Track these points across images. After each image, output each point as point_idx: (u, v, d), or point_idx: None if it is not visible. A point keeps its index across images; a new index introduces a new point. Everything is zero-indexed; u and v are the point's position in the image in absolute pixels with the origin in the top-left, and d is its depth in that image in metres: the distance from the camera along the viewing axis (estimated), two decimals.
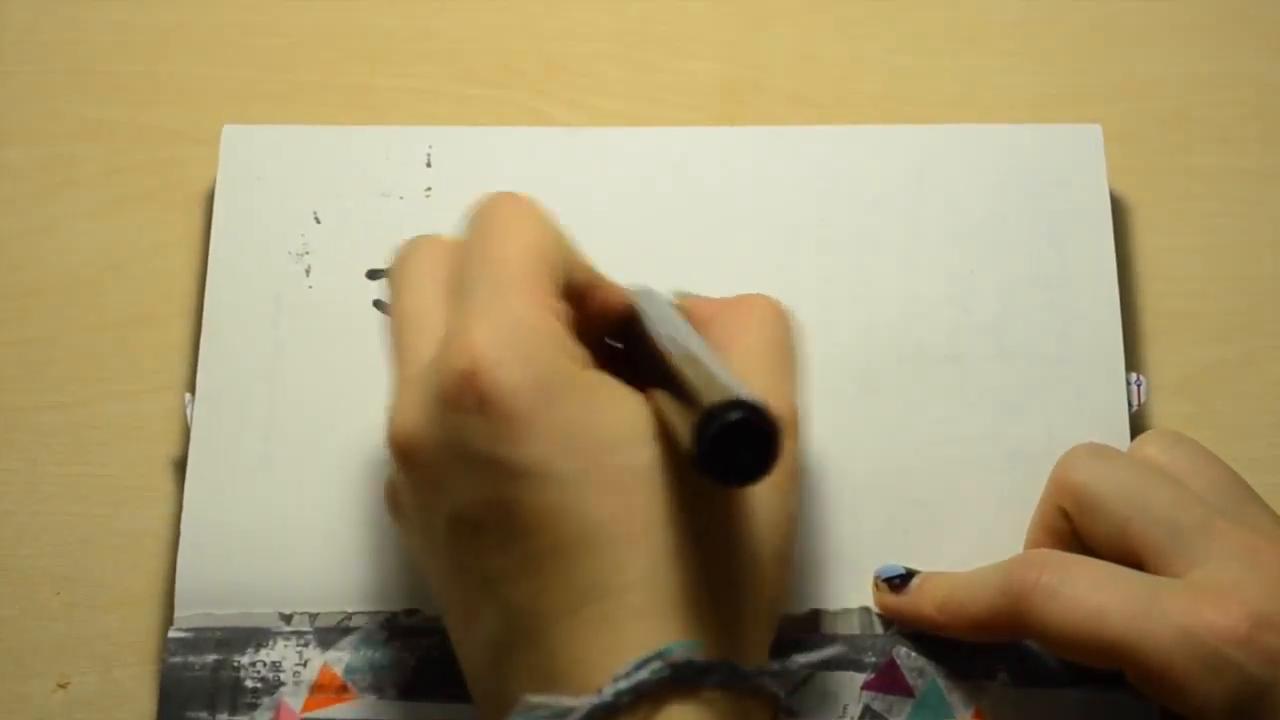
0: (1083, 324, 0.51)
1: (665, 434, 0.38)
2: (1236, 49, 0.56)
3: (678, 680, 0.36)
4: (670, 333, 0.40)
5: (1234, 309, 0.53)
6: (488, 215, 0.41)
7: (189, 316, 0.52)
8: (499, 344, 0.37)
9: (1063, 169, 0.52)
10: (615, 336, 0.44)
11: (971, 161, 0.53)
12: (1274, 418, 0.52)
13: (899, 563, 0.48)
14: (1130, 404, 0.50)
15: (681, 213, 0.52)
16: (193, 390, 0.50)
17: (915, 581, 0.47)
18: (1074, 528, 0.46)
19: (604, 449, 0.38)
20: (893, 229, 0.52)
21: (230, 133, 0.53)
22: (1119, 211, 0.54)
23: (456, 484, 0.38)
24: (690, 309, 0.44)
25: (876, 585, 0.47)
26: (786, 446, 0.39)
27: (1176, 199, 0.54)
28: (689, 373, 0.37)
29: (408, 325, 0.41)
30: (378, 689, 0.46)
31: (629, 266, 0.51)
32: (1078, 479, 0.45)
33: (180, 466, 0.49)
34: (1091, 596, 0.42)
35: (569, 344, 0.39)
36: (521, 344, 0.38)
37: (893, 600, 0.47)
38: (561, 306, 0.40)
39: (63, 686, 0.48)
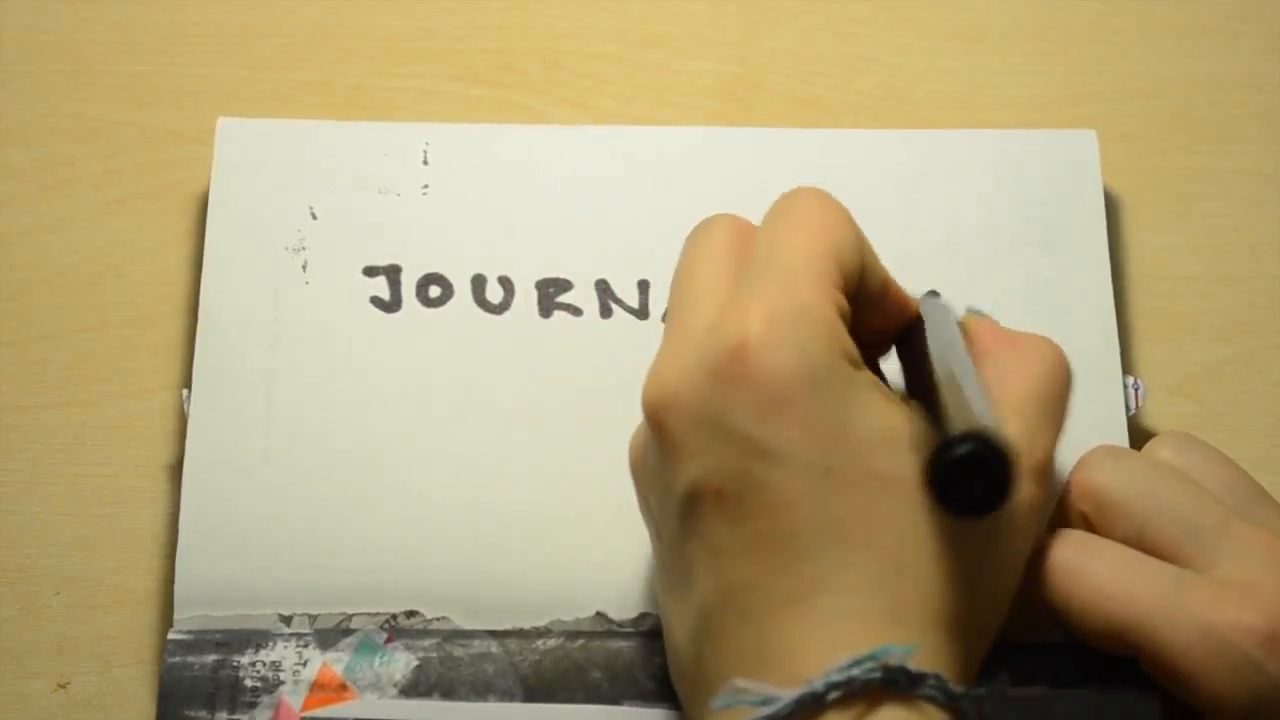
0: (1079, 329, 0.50)
1: (918, 446, 0.38)
2: (1236, 49, 0.56)
3: (888, 684, 0.37)
4: (943, 351, 0.40)
5: (1234, 309, 0.53)
6: (788, 205, 0.42)
7: (189, 316, 0.52)
8: (776, 325, 0.38)
9: (1058, 174, 0.52)
10: (899, 343, 0.44)
11: (967, 166, 0.53)
12: (1274, 418, 0.52)
13: None
14: (1128, 408, 0.50)
15: (677, 212, 0.52)
16: (189, 386, 0.50)
17: None
18: (1091, 530, 0.46)
19: (858, 450, 0.38)
20: (888, 233, 0.52)
21: (225, 125, 0.53)
22: (1119, 212, 0.54)
23: (704, 451, 0.39)
24: (975, 333, 0.44)
25: None
26: (1032, 493, 0.40)
27: (1176, 199, 0.54)
28: (945, 393, 0.37)
29: (689, 290, 0.41)
30: (377, 689, 0.46)
31: (625, 264, 0.51)
32: (1096, 480, 0.45)
33: (176, 470, 0.49)
34: (1114, 578, 0.42)
35: (845, 339, 0.39)
36: (798, 329, 0.38)
37: None
38: (844, 302, 0.40)
39: (63, 686, 0.48)
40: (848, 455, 0.38)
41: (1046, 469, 0.42)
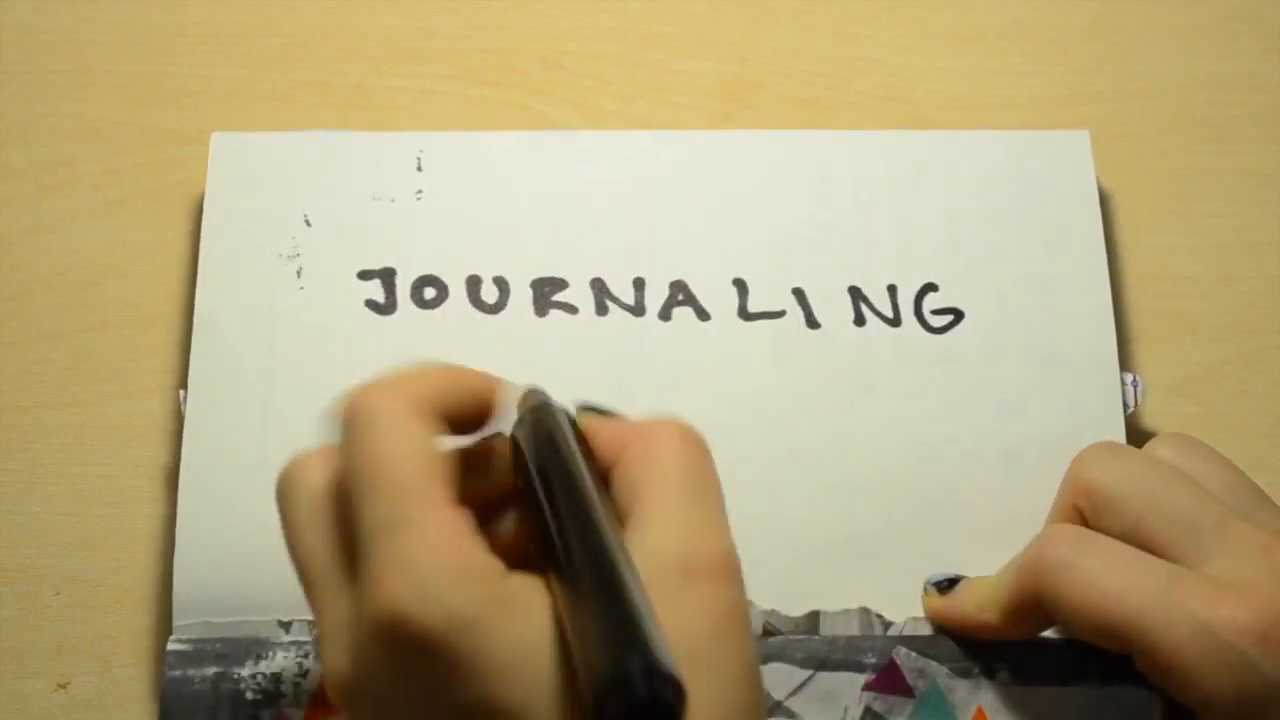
0: (1076, 325, 0.51)
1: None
2: (1236, 49, 0.56)
3: None
4: (566, 497, 0.37)
5: (1233, 309, 0.53)
6: (353, 427, 0.38)
7: (189, 316, 0.51)
8: (413, 594, 0.35)
9: (1052, 173, 0.52)
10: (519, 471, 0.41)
11: (964, 166, 0.53)
12: (1274, 418, 0.52)
13: (943, 570, 0.48)
14: (1126, 405, 0.50)
15: (672, 213, 0.52)
16: (186, 387, 0.50)
17: (960, 585, 0.47)
18: (1087, 525, 0.46)
19: (542, 670, 0.35)
20: (887, 232, 0.52)
21: (219, 140, 0.52)
22: (1119, 212, 0.54)
23: None
24: (593, 434, 0.41)
25: (926, 591, 0.48)
26: (732, 591, 0.37)
27: (1176, 199, 0.54)
28: (587, 590, 0.34)
29: (311, 570, 0.39)
30: None
31: (620, 261, 0.51)
32: (1092, 476, 0.45)
33: (171, 474, 0.49)
34: (1109, 575, 0.42)
35: (481, 561, 0.36)
36: (435, 587, 0.35)
37: (940, 603, 0.47)
38: (463, 516, 0.37)
39: (63, 686, 0.48)
40: (534, 680, 0.35)
41: (729, 564, 0.37)
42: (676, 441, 0.39)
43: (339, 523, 0.38)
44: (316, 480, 0.39)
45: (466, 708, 0.35)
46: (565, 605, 0.35)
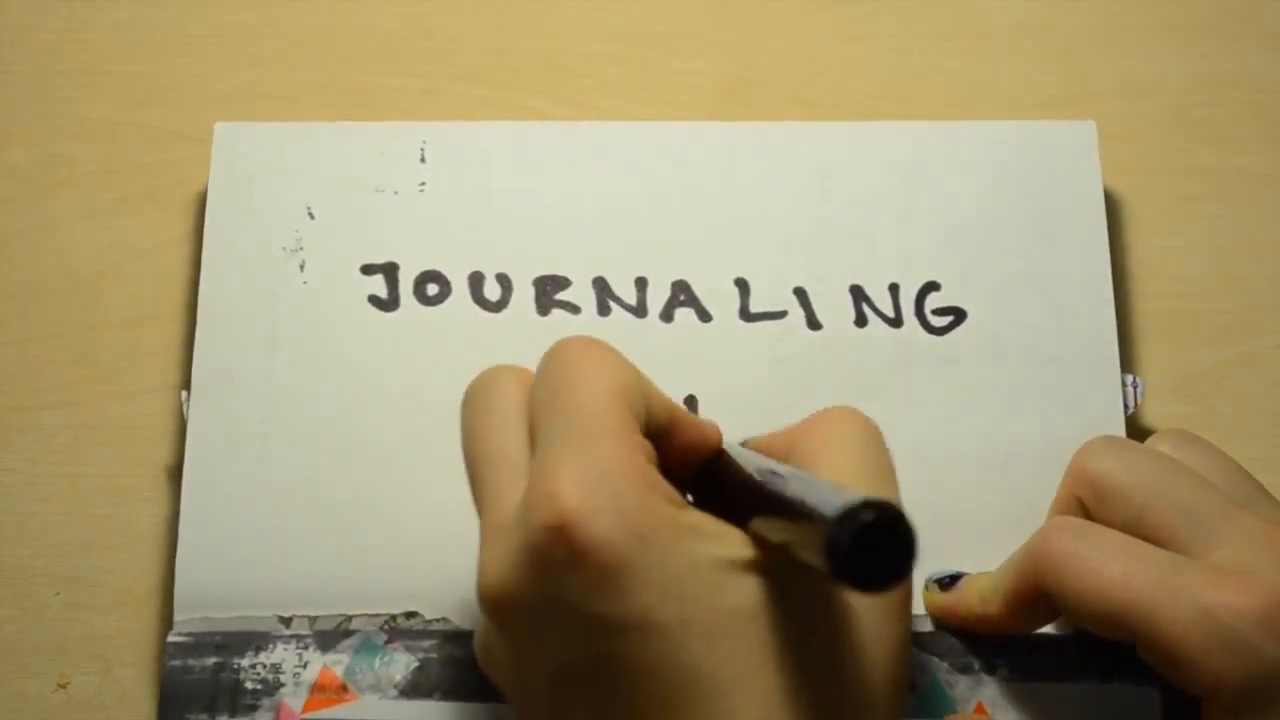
0: (1078, 323, 0.50)
1: (768, 567, 0.37)
2: (1236, 49, 0.56)
3: None
4: (762, 464, 0.39)
5: (1234, 309, 0.53)
6: (562, 357, 0.39)
7: (188, 316, 0.52)
8: (588, 492, 0.36)
9: (1057, 165, 0.52)
10: (692, 481, 0.42)
11: (966, 158, 0.52)
12: (1274, 418, 0.52)
13: (943, 569, 0.48)
14: (1126, 405, 0.50)
15: (674, 209, 0.52)
16: (188, 388, 0.50)
17: (962, 581, 0.47)
18: (1089, 517, 0.46)
19: (706, 592, 0.36)
20: (889, 226, 0.52)
21: (223, 130, 0.52)
22: (1119, 211, 0.54)
23: (556, 638, 0.37)
24: (766, 446, 0.42)
25: (927, 587, 0.48)
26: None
27: (1176, 199, 0.54)
28: (800, 491, 0.35)
29: (491, 468, 0.39)
30: (377, 690, 0.46)
31: (622, 261, 0.51)
32: (1095, 467, 0.46)
33: (175, 473, 0.49)
34: (1112, 563, 0.42)
35: (660, 484, 0.37)
36: (611, 490, 0.36)
37: (942, 599, 0.47)
38: (647, 444, 0.38)
39: (63, 686, 0.48)
40: (700, 602, 0.36)
41: None
42: (850, 426, 0.41)
43: (527, 431, 0.39)
44: (513, 389, 0.40)
45: (620, 621, 0.36)
46: (775, 521, 0.36)
